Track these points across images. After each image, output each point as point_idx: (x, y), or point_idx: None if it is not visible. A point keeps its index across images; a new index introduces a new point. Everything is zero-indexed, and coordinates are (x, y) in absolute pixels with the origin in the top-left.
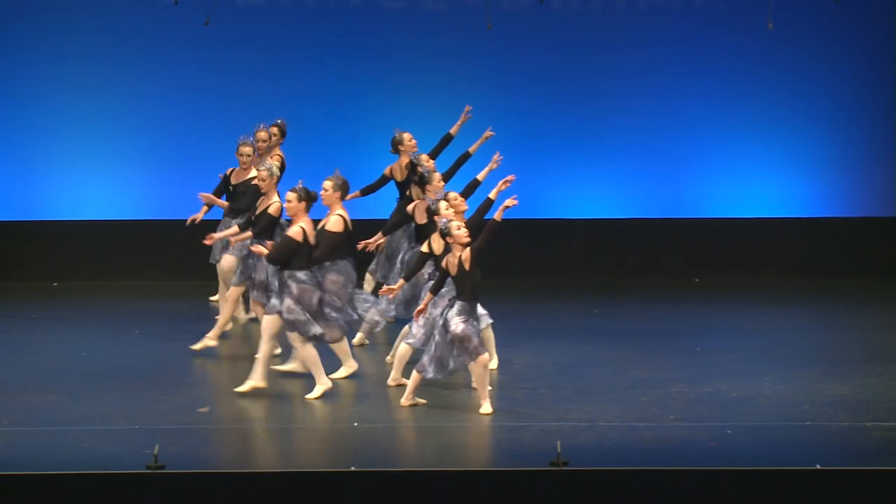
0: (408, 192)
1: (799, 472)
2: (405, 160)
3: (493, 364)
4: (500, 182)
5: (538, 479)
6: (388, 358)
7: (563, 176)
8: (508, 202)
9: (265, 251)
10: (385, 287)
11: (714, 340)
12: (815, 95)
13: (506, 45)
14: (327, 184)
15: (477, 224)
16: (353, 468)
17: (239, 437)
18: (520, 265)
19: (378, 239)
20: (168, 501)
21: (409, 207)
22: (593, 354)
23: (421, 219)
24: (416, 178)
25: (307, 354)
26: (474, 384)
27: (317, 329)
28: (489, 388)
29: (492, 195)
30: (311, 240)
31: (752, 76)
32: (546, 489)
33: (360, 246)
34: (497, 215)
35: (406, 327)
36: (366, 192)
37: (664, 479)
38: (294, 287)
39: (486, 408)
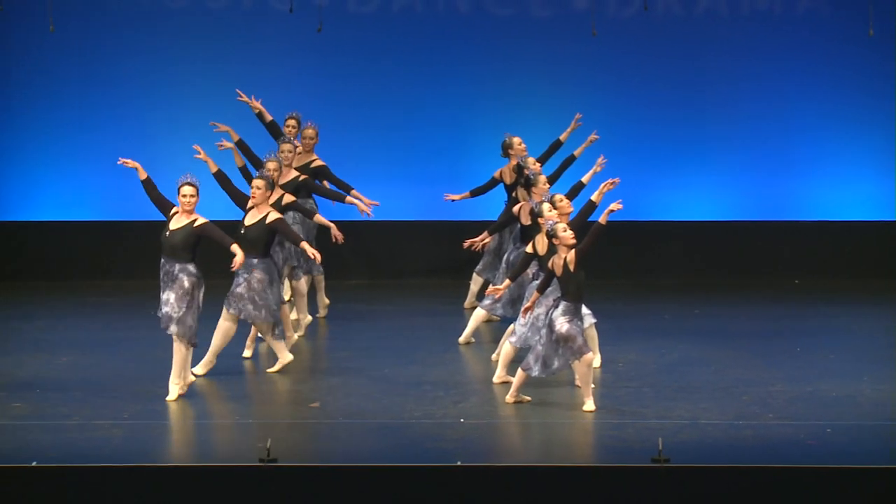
0: (515, 195)
1: None
2: (514, 164)
3: (597, 362)
4: (603, 184)
5: (640, 476)
6: (494, 356)
7: (665, 179)
8: (613, 206)
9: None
10: (491, 287)
11: (814, 341)
12: None
13: (610, 50)
14: (260, 182)
15: (580, 225)
16: (459, 463)
17: (349, 432)
18: (623, 266)
19: (484, 238)
20: (280, 494)
21: (515, 209)
22: (695, 354)
23: (526, 220)
24: (522, 181)
25: (180, 350)
26: (578, 382)
27: (184, 330)
28: (592, 385)
29: (594, 198)
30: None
31: (851, 82)
32: (648, 485)
33: (466, 244)
34: (602, 219)
35: (511, 326)
36: (475, 193)
37: (763, 477)
38: (186, 280)
39: (590, 405)
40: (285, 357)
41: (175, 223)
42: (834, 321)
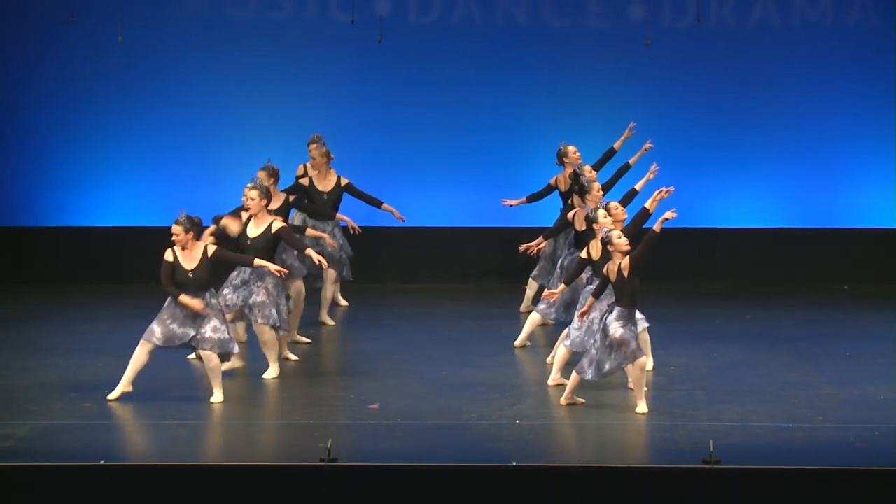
0: (570, 202)
1: None
2: (569, 171)
3: (649, 366)
4: (657, 192)
5: (691, 477)
6: (549, 359)
7: (717, 186)
8: (668, 214)
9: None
10: (546, 291)
11: (862, 345)
12: None
13: (665, 61)
14: (254, 193)
15: (633, 232)
16: (514, 463)
17: (406, 433)
18: (676, 271)
19: (539, 243)
20: (340, 493)
21: (570, 215)
22: (745, 357)
23: (580, 226)
24: (577, 188)
25: (216, 365)
26: (631, 385)
27: (234, 346)
28: (645, 388)
29: (648, 205)
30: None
31: None
32: (699, 486)
33: (522, 248)
34: (657, 226)
35: (566, 330)
36: (531, 199)
37: (812, 478)
38: (213, 300)
39: (642, 407)
40: (276, 369)
41: (188, 262)
42: (882, 326)
